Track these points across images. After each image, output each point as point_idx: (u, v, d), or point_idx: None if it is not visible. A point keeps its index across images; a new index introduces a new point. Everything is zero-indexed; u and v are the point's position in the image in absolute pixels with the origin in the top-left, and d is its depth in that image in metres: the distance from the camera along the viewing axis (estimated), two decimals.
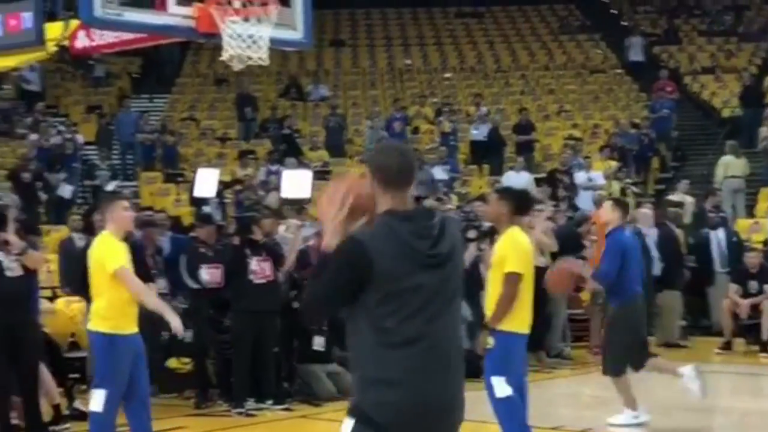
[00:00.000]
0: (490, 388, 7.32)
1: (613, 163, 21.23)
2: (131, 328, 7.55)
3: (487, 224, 11.99)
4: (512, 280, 7.39)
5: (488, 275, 7.85)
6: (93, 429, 7.60)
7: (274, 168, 20.22)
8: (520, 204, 7.67)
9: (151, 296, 7.92)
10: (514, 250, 7.45)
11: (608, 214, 9.09)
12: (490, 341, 7.39)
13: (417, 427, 3.91)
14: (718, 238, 15.82)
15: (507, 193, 7.98)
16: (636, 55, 28.75)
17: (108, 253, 7.52)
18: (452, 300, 4.07)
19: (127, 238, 8.00)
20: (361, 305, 3.95)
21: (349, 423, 3.90)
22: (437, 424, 3.98)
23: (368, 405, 3.90)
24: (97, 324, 7.54)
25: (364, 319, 3.96)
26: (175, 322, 7.57)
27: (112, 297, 7.48)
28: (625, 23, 33.18)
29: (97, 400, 7.47)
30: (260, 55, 7.84)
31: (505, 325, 7.41)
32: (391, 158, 4.08)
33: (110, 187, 18.81)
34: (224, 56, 7.91)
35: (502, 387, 7.27)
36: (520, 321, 7.48)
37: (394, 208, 3.99)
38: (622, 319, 9.17)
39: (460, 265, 4.18)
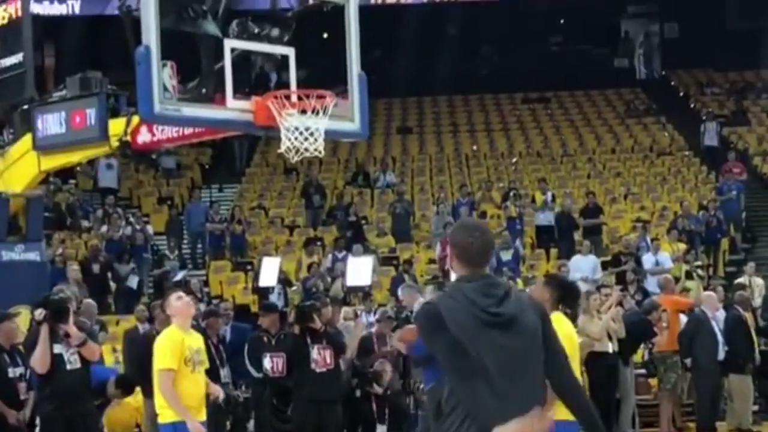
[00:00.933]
0: None
1: (682, 246, 21.05)
2: (200, 416, 7.89)
3: None
4: None
5: None
6: None
7: (340, 255, 20.37)
8: (565, 293, 7.66)
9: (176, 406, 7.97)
10: None
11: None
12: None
13: None
14: None
15: (553, 280, 7.97)
16: (711, 140, 28.18)
17: (159, 350, 7.89)
18: (530, 360, 4.31)
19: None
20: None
21: None
22: None
23: None
24: (161, 416, 7.88)
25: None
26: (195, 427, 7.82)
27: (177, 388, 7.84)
28: (693, 105, 33.10)
29: None
30: (316, 147, 7.99)
31: (558, 414, 7.33)
32: (472, 237, 4.40)
33: (179, 276, 19.07)
34: (282, 148, 8.07)
35: None
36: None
37: (461, 274, 4.37)
38: None
39: (532, 329, 4.35)
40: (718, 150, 28.14)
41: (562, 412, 7.29)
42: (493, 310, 4.24)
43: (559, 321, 7.52)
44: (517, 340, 4.27)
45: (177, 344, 7.89)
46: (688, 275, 14.62)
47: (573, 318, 8.06)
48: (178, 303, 8.05)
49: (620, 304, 14.14)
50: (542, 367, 4.37)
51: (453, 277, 4.45)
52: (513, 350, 4.24)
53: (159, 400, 7.93)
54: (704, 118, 28.48)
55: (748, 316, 15.40)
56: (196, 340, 8.17)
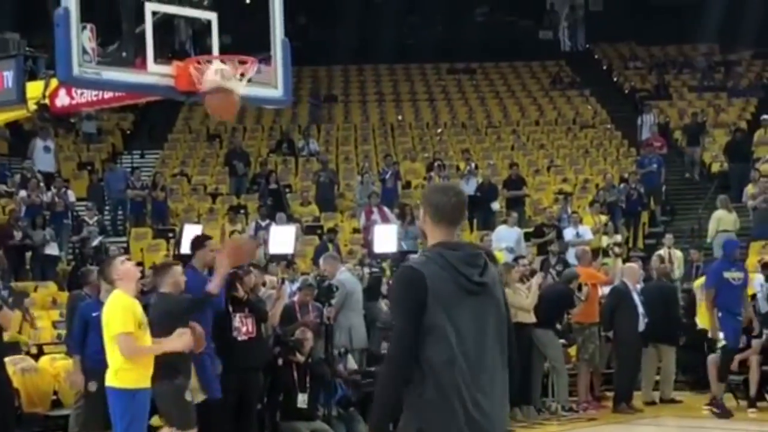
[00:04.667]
0: None
1: (603, 218, 21.30)
2: (146, 383, 7.82)
3: None
4: None
5: None
6: None
7: (263, 223, 20.26)
8: None
9: (158, 348, 7.98)
10: None
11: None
12: None
13: None
14: None
15: None
16: (647, 133, 27.37)
17: (113, 315, 7.74)
18: (498, 328, 4.39)
19: None
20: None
21: None
22: None
23: None
24: (115, 380, 7.74)
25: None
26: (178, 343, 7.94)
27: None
28: (615, 78, 33.45)
29: None
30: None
31: None
32: (446, 195, 4.46)
33: (96, 242, 18.81)
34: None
35: None
36: None
37: (444, 240, 4.38)
38: None
39: (502, 300, 4.46)
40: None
41: None
42: (477, 279, 4.31)
43: None
44: (493, 310, 4.37)
45: (129, 308, 7.80)
46: (605, 253, 14.79)
47: None
48: (124, 267, 7.99)
49: (532, 274, 14.34)
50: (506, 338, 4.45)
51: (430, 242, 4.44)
52: (489, 320, 4.34)
53: (118, 364, 7.77)
54: (642, 110, 28.52)
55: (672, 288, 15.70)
56: (138, 305, 8.09)
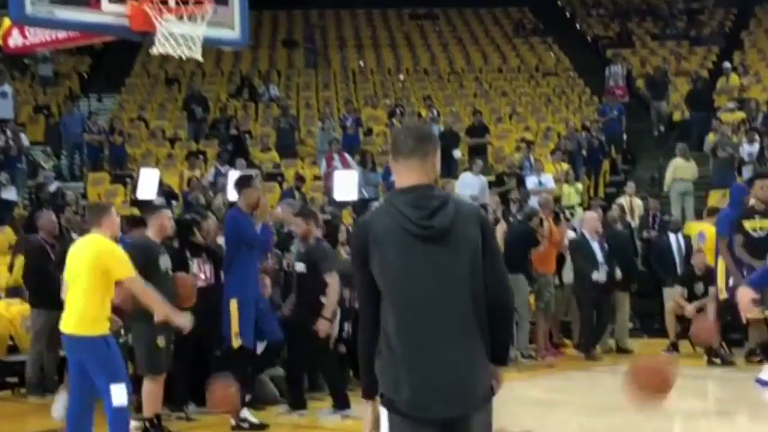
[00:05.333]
0: None
1: (565, 167, 21.28)
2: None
3: None
4: None
5: None
6: (120, 424, 7.63)
7: (223, 169, 20.07)
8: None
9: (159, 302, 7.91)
10: None
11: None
12: None
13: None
14: (678, 241, 15.78)
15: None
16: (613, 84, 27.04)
17: (115, 260, 7.56)
18: (461, 274, 4.11)
19: None
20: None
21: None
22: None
23: None
24: (92, 328, 7.50)
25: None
26: (181, 320, 7.93)
27: (106, 300, 7.59)
28: (578, 26, 33.35)
29: (119, 395, 7.48)
30: (193, 55, 7.74)
31: None
32: (400, 131, 4.41)
33: (53, 187, 18.54)
34: (153, 51, 7.83)
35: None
36: None
37: (401, 185, 4.22)
38: None
39: (469, 242, 4.14)
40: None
41: None
42: (424, 223, 4.07)
43: None
44: (453, 255, 4.09)
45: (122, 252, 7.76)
46: (556, 216, 14.78)
47: None
48: (117, 219, 8.00)
49: (496, 222, 14.29)
50: (473, 284, 4.13)
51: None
52: (448, 265, 4.08)
53: (78, 314, 7.53)
54: (610, 60, 28.37)
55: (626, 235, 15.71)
56: None
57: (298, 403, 10.26)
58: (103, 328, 7.52)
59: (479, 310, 4.14)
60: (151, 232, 9.03)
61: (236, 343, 9.38)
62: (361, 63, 30.95)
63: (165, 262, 8.99)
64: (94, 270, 7.51)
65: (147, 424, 8.79)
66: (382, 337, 4.10)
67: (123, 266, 7.59)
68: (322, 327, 9.78)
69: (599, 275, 14.05)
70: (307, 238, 8.95)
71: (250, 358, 9.77)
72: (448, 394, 4.04)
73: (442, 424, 4.05)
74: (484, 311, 4.15)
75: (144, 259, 8.46)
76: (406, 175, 4.23)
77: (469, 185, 19.68)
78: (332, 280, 9.75)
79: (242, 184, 9.89)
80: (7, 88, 23.18)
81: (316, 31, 32.46)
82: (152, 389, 8.59)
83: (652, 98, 25.61)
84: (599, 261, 14.08)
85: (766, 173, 13.30)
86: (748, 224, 11.43)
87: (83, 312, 7.50)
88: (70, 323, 7.56)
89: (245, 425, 9.45)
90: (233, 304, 9.40)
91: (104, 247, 7.61)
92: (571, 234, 15.20)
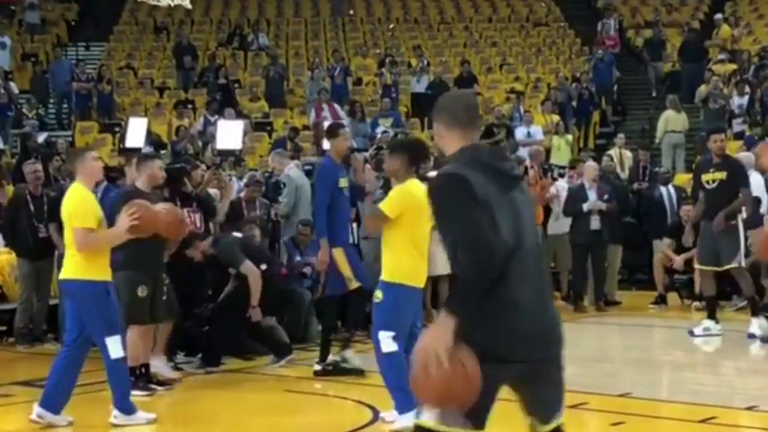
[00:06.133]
0: (377, 342, 7.24)
1: (555, 118, 21.22)
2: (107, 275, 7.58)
3: None
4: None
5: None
6: (119, 375, 7.64)
7: (212, 118, 19.97)
8: (414, 153, 7.51)
9: (111, 235, 7.68)
10: (400, 202, 7.30)
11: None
12: (379, 294, 7.27)
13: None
14: (669, 193, 15.76)
15: (398, 146, 7.84)
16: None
17: (73, 207, 7.47)
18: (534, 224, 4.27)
19: None
20: None
21: None
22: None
23: None
24: (87, 272, 7.46)
25: None
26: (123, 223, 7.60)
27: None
28: None
29: (116, 347, 7.49)
30: (182, 2, 7.63)
31: (396, 277, 7.27)
32: (457, 100, 4.34)
33: (41, 138, 18.43)
34: None
35: (387, 342, 7.19)
36: (412, 273, 7.34)
37: (453, 149, 4.17)
38: None
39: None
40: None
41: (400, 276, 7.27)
42: (514, 173, 4.20)
43: (417, 186, 7.36)
44: (529, 205, 4.25)
45: (93, 203, 7.59)
46: (544, 172, 14.72)
47: (423, 177, 7.82)
48: (96, 164, 7.77)
49: None
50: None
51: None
52: (528, 215, 4.19)
53: (76, 260, 7.49)
54: (601, 10, 28.14)
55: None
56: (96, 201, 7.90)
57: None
58: (99, 273, 7.47)
59: None
60: (141, 182, 8.95)
61: (353, 285, 9.24)
62: (351, 12, 30.71)
63: None
64: (67, 218, 7.56)
65: (138, 372, 8.77)
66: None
67: (78, 217, 7.43)
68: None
69: (595, 223, 13.99)
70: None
71: (364, 298, 9.27)
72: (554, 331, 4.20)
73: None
74: None
75: None
76: (458, 141, 4.19)
77: None
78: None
79: (332, 133, 9.77)
80: (7, 39, 23.00)
81: None
82: (133, 339, 8.55)
83: (649, 60, 25.43)
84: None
85: (719, 128, 13.33)
86: (704, 177, 11.60)
87: (75, 258, 7.49)
88: (66, 270, 7.58)
89: (347, 365, 9.41)
90: (337, 253, 9.15)
91: (72, 198, 7.54)
92: (562, 184, 15.12)
